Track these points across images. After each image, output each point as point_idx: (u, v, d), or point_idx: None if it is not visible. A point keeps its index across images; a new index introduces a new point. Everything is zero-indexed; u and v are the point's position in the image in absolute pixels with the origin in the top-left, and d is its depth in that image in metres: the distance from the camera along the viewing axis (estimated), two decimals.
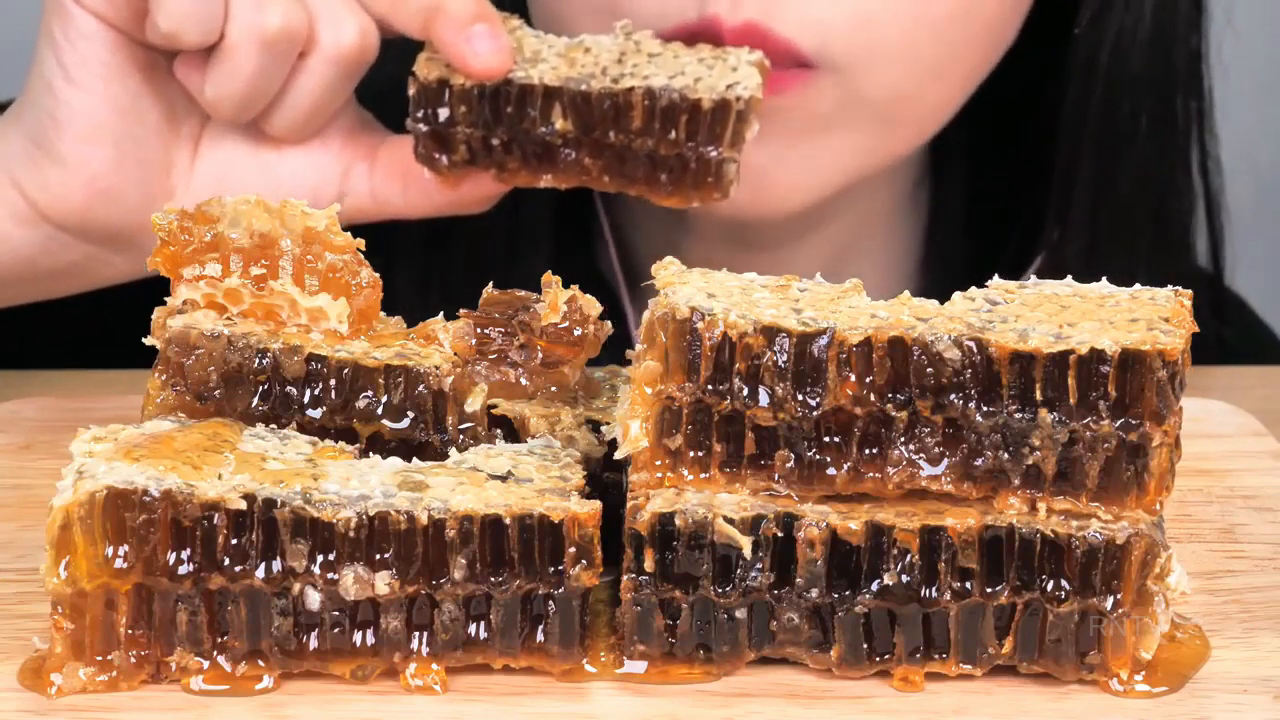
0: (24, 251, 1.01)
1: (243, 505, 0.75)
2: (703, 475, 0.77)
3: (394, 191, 1.03)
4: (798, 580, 0.76)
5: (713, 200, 0.98)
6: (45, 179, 0.99)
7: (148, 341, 0.85)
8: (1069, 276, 0.81)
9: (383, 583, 0.75)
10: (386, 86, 1.06)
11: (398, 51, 1.03)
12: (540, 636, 0.77)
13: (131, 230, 1.01)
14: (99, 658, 0.75)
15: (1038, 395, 0.75)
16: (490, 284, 0.85)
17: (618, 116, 0.97)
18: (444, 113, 0.98)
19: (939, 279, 1.24)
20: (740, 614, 0.77)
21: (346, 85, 1.01)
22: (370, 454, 0.80)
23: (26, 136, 1.00)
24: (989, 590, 0.76)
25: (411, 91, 0.99)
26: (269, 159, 1.03)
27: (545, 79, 0.97)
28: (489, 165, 1.00)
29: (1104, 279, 0.81)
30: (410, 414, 0.83)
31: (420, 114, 0.99)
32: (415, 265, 1.21)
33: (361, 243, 0.85)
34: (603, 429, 0.83)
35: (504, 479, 0.77)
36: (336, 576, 0.75)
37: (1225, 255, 1.27)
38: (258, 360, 0.83)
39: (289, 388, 0.83)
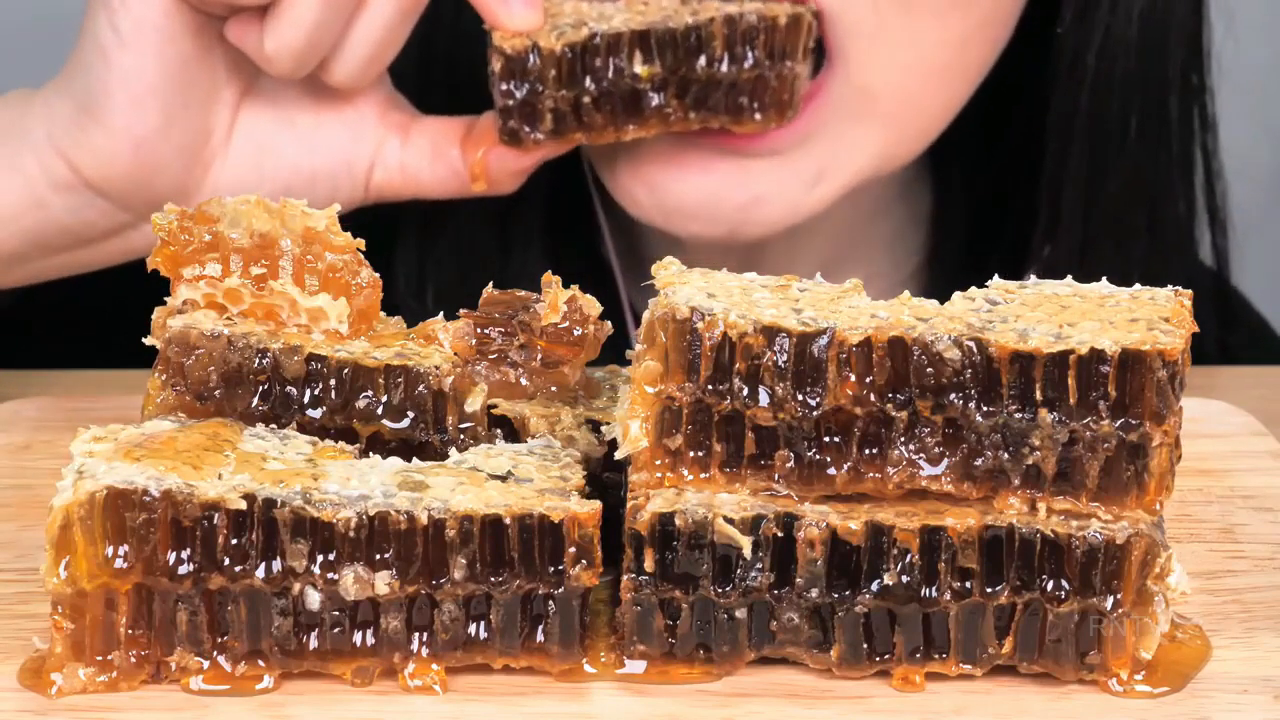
0: (61, 219, 1.03)
1: (243, 505, 0.75)
2: (703, 475, 0.77)
3: (423, 168, 1.05)
4: (798, 580, 0.76)
5: (786, 120, 1.03)
6: (92, 143, 1.01)
7: (148, 341, 0.85)
8: (1069, 277, 0.81)
9: (383, 583, 0.75)
10: (411, 69, 1.08)
11: (420, 38, 1.04)
12: (540, 636, 0.77)
13: (168, 196, 1.01)
14: (99, 658, 0.75)
15: (1038, 395, 0.75)
16: (490, 284, 0.85)
17: (701, 48, 1.01)
18: (533, 80, 1.00)
19: (939, 276, 1.24)
20: (740, 614, 0.77)
21: (405, 27, 1.02)
22: (370, 454, 0.80)
23: (74, 101, 1.01)
24: (989, 590, 0.76)
25: (497, 66, 1.01)
26: (306, 129, 1.04)
27: (630, 25, 1.01)
28: (576, 129, 1.02)
29: (1103, 279, 0.81)
30: (410, 414, 0.83)
31: (508, 86, 1.01)
32: (410, 262, 1.21)
33: (361, 243, 0.85)
34: (603, 429, 0.83)
35: (504, 479, 0.77)
36: (336, 576, 0.75)
37: (1230, 255, 1.26)
38: (258, 360, 0.83)
39: (289, 388, 0.83)
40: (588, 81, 1.01)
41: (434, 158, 1.05)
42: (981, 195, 1.26)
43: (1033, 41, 1.16)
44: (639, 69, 1.01)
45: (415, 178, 1.06)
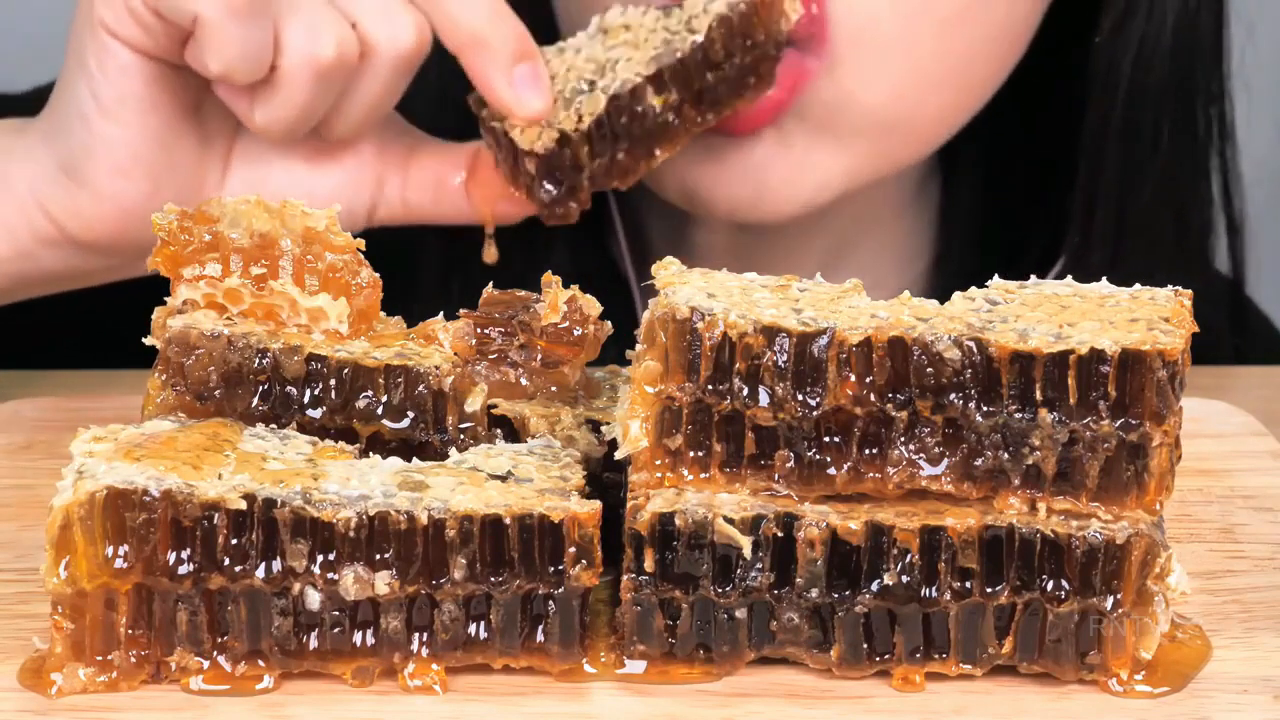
0: (50, 267, 1.01)
1: (243, 505, 0.75)
2: (703, 475, 0.77)
3: (426, 201, 1.03)
4: (798, 580, 0.76)
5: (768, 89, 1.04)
6: (76, 205, 0.98)
7: (148, 341, 0.85)
8: (1069, 277, 0.81)
9: (383, 583, 0.75)
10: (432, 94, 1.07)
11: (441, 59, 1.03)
12: (540, 636, 0.77)
13: None
14: (99, 658, 0.75)
15: (1038, 395, 0.75)
16: (490, 284, 0.85)
17: (707, 58, 1.01)
18: (570, 167, 1.00)
19: (953, 284, 1.24)
20: (740, 614, 0.77)
21: (404, 82, 1.00)
22: (370, 454, 0.80)
23: (57, 163, 0.99)
24: (989, 590, 0.76)
25: (532, 168, 0.99)
26: (301, 174, 1.02)
27: (641, 71, 1.00)
28: (612, 180, 1.02)
29: (1103, 279, 0.81)
30: (410, 414, 0.83)
31: (551, 180, 1.00)
32: (435, 263, 1.21)
33: (361, 243, 0.85)
34: (603, 429, 0.83)
35: (504, 479, 0.77)
36: (336, 576, 0.75)
37: (1246, 265, 1.27)
38: (258, 360, 0.83)
39: (289, 388, 0.83)
40: (618, 142, 1.00)
41: (437, 195, 1.03)
42: (1002, 199, 1.25)
43: (1058, 52, 1.16)
44: (654, 101, 1.00)
45: (419, 213, 1.03)
